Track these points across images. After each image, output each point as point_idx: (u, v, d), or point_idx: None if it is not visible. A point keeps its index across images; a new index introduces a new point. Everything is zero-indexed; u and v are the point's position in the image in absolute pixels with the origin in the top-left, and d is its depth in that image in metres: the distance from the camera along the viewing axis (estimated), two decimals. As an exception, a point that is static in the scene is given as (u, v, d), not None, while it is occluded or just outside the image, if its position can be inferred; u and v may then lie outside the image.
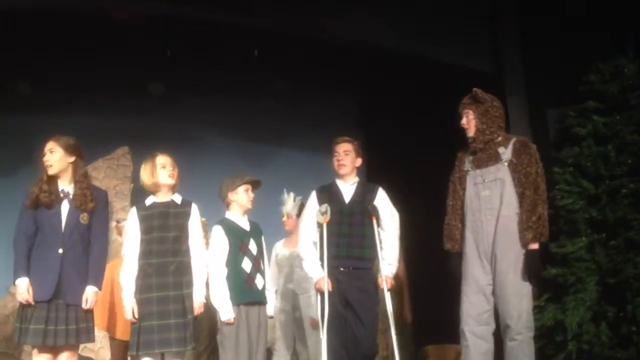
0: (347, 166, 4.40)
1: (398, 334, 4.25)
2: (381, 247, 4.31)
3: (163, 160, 4.05)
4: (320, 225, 4.31)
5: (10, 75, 6.21)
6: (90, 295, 3.87)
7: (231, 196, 4.32)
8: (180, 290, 3.92)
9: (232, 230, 4.27)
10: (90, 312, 3.91)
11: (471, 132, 4.13)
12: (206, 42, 6.11)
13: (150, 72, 6.43)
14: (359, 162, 4.48)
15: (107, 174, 6.25)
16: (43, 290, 3.76)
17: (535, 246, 3.93)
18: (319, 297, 4.24)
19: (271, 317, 4.39)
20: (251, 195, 4.34)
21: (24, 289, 3.75)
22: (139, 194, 5.77)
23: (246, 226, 4.35)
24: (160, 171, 4.02)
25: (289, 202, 5.42)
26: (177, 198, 4.10)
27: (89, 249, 3.92)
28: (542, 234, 3.93)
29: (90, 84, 6.27)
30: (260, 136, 6.79)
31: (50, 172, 3.92)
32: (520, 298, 3.92)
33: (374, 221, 4.31)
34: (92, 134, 6.39)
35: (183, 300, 3.91)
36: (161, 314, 3.85)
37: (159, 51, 6.14)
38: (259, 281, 4.24)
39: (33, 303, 3.75)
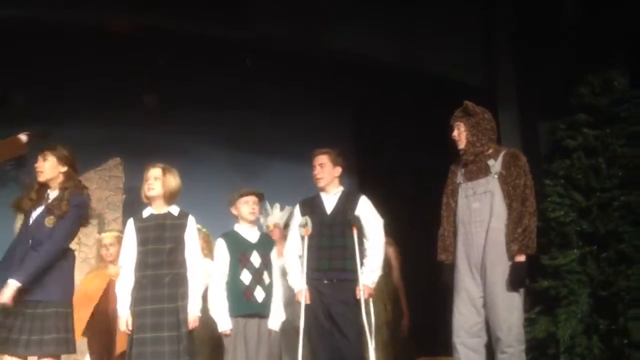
0: (323, 178, 4.41)
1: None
2: (365, 256, 4.29)
3: (148, 174, 4.13)
4: (302, 238, 4.32)
5: (2, 86, 6.21)
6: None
7: (233, 210, 4.41)
8: (175, 303, 3.90)
9: (234, 242, 4.31)
10: None
11: (462, 145, 4.17)
12: (200, 53, 6.13)
13: (143, 84, 6.43)
14: (337, 171, 4.47)
15: (99, 185, 6.23)
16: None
17: (521, 258, 3.95)
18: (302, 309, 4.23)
19: (275, 331, 4.32)
20: (253, 207, 4.39)
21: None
22: (131, 205, 5.80)
23: (253, 238, 4.38)
24: (145, 184, 4.12)
25: (275, 213, 5.44)
26: (174, 210, 4.11)
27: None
28: (528, 246, 3.94)
29: (83, 95, 6.27)
30: (255, 148, 6.79)
31: (40, 178, 3.94)
32: (510, 311, 3.93)
33: (354, 231, 4.28)
34: (84, 145, 6.35)
35: (177, 312, 3.89)
36: (155, 327, 3.84)
37: (152, 63, 6.15)
38: (258, 293, 4.23)
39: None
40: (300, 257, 4.34)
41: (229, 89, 6.53)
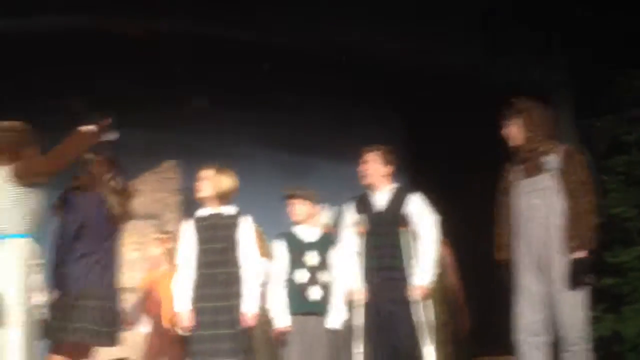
0: (368, 176, 4.35)
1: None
2: (416, 255, 4.24)
3: (199, 174, 4.24)
4: (356, 236, 4.32)
5: (61, 91, 6.36)
6: None
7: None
8: (229, 301, 3.96)
9: (290, 242, 4.34)
10: None
11: (516, 142, 4.10)
12: (249, 58, 6.19)
13: (196, 88, 6.53)
14: (386, 170, 4.38)
15: (155, 187, 6.36)
16: None
17: (581, 254, 3.88)
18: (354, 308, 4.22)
19: (334, 330, 4.28)
20: (294, 208, 4.38)
21: None
22: (187, 206, 5.89)
23: (311, 237, 4.38)
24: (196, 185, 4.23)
25: (323, 214, 5.44)
26: (229, 210, 4.17)
27: None
28: (588, 242, 3.87)
29: (138, 99, 6.38)
30: (305, 151, 6.83)
31: None
32: (573, 307, 3.86)
33: (406, 229, 4.23)
34: (140, 147, 6.54)
35: (232, 311, 3.94)
36: (212, 325, 3.90)
37: (206, 66, 6.23)
38: (315, 292, 4.24)
39: None
40: (357, 255, 4.32)
41: (282, 91, 6.58)
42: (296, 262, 4.27)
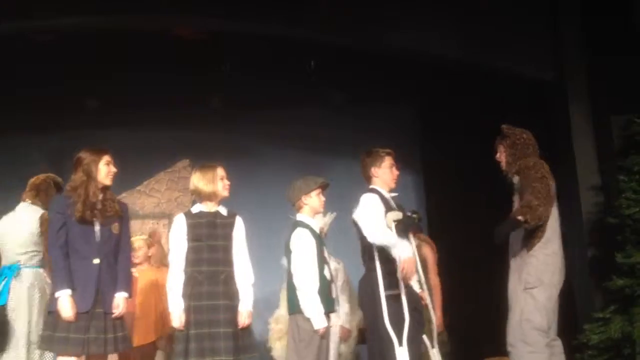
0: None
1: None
2: None
3: (223, 173, 4.08)
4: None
5: (79, 92, 6.46)
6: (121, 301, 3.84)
7: (305, 199, 4.17)
8: (229, 300, 3.90)
9: (315, 235, 4.16)
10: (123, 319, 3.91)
11: (502, 166, 4.27)
12: (263, 55, 6.20)
13: (210, 87, 6.57)
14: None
15: (169, 186, 6.41)
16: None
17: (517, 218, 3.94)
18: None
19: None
20: (323, 198, 4.25)
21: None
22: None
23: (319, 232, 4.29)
24: (220, 182, 4.04)
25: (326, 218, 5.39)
26: (223, 209, 4.08)
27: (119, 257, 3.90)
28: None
29: (153, 99, 6.44)
30: (318, 147, 6.82)
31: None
32: (513, 309, 3.99)
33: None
34: (155, 147, 6.62)
35: (233, 309, 3.90)
36: (211, 323, 3.82)
37: (219, 66, 6.27)
38: (335, 289, 4.21)
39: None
40: None
41: (294, 89, 6.59)
42: (323, 257, 4.11)
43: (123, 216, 3.95)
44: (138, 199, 6.64)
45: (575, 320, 4.84)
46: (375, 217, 3.99)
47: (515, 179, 4.16)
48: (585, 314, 4.73)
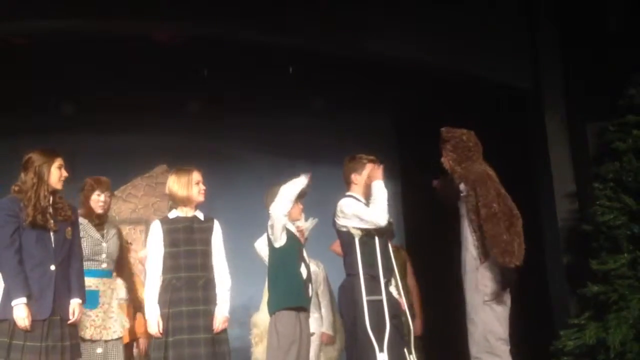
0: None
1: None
2: None
3: (199, 177, 4.04)
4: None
5: (54, 95, 6.39)
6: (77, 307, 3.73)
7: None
8: (209, 305, 3.87)
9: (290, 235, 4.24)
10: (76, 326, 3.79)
11: (448, 170, 4.29)
12: (242, 60, 6.18)
13: (188, 92, 6.53)
14: None
15: (146, 191, 6.35)
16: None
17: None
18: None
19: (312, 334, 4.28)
20: (300, 206, 4.37)
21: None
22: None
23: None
24: (195, 187, 4.01)
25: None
26: (200, 214, 4.06)
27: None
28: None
29: (129, 103, 6.39)
30: (297, 153, 6.82)
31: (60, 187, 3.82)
32: (474, 321, 4.00)
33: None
34: (132, 152, 6.56)
35: (212, 315, 3.87)
36: (191, 329, 3.79)
37: (197, 71, 6.24)
38: (311, 288, 4.21)
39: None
40: None
41: (272, 95, 6.58)
42: (300, 257, 4.18)
43: (74, 221, 3.84)
44: (114, 205, 6.48)
45: (551, 326, 4.89)
46: (364, 207, 4.05)
47: (462, 187, 4.14)
48: (561, 320, 4.77)
